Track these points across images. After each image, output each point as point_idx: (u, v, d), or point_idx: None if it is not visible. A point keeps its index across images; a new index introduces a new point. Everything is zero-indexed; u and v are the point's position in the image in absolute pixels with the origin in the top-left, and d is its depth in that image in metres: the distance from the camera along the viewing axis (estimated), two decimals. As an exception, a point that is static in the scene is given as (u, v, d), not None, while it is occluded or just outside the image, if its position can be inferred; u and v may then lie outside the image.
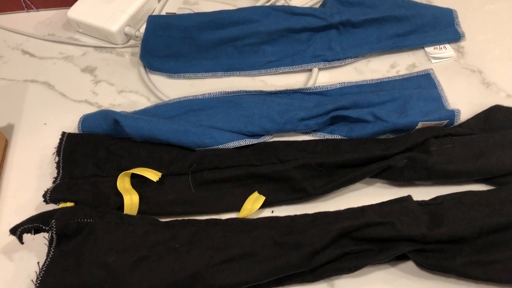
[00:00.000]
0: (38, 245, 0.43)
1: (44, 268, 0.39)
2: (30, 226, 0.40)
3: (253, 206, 0.43)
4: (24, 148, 0.50)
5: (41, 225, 0.40)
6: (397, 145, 0.43)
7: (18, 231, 0.40)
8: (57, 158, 0.47)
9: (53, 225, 0.40)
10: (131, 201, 0.43)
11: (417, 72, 0.52)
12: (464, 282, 0.38)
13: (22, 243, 0.40)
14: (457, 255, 0.37)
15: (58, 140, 0.48)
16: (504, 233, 0.38)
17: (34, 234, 0.41)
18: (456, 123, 0.46)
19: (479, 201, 0.39)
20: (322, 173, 0.43)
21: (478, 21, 0.56)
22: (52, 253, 0.40)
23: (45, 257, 0.39)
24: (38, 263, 0.41)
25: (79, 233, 0.40)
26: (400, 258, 0.39)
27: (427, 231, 0.37)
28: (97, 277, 0.38)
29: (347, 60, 0.53)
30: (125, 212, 0.43)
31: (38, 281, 0.38)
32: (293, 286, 0.39)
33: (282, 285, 0.39)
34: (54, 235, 0.40)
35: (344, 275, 0.39)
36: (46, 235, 0.40)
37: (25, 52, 0.59)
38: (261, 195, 0.43)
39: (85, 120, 0.50)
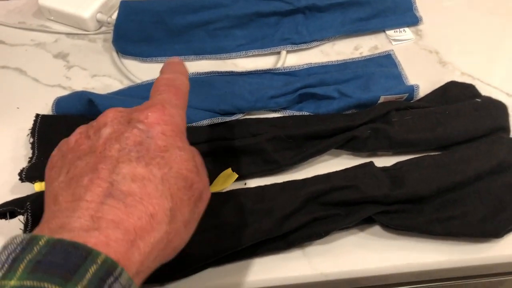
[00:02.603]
0: (12, 231, 0.43)
1: None
2: (5, 209, 0.40)
3: (224, 183, 0.45)
4: (-3, 131, 0.51)
5: (16, 208, 0.40)
6: (361, 117, 0.46)
7: None
8: (31, 140, 0.47)
9: (28, 207, 0.40)
10: None
11: (379, 53, 0.55)
12: (426, 239, 0.41)
13: None
14: (419, 214, 0.40)
15: (32, 123, 0.48)
16: (460, 191, 0.40)
17: (10, 218, 0.41)
18: (415, 98, 0.49)
19: (435, 163, 0.42)
20: (292, 145, 0.45)
21: (434, 6, 0.60)
22: None
23: None
24: None
25: None
26: (367, 222, 0.42)
27: (389, 191, 0.40)
28: None
29: (314, 43, 0.56)
30: None
31: None
32: (267, 256, 0.41)
33: (256, 254, 0.41)
34: (29, 218, 0.40)
35: (316, 243, 0.41)
36: (21, 222, 0.40)
37: (-5, 40, 0.60)
38: (234, 173, 0.45)
39: (59, 102, 0.50)
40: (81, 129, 0.31)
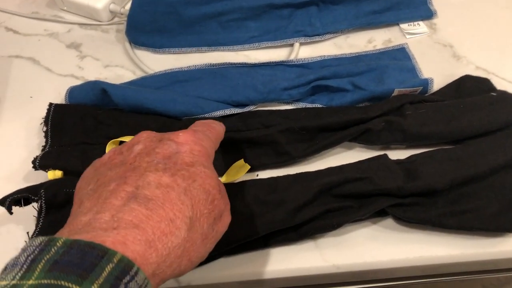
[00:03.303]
0: (26, 218, 0.43)
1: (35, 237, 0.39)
2: (19, 196, 0.41)
3: (237, 173, 0.45)
4: (10, 120, 0.51)
5: (30, 195, 0.41)
6: (375, 109, 0.46)
7: (7, 201, 0.40)
8: (45, 128, 0.47)
9: (42, 194, 0.40)
10: None
11: (392, 46, 0.54)
12: (439, 232, 0.41)
13: (11, 213, 0.41)
14: (432, 207, 0.40)
15: (45, 112, 0.48)
16: (474, 184, 0.40)
17: (24, 205, 0.41)
18: (429, 91, 0.49)
19: (449, 156, 0.42)
20: (305, 137, 0.45)
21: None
22: (41, 223, 0.40)
23: (33, 229, 0.40)
24: (27, 233, 0.41)
25: (68, 203, 0.41)
26: (379, 215, 0.42)
27: (403, 184, 0.40)
28: None
29: (327, 36, 0.56)
30: None
31: None
32: (279, 246, 0.41)
33: (268, 245, 0.41)
34: (43, 205, 0.40)
35: (328, 234, 0.41)
36: (34, 210, 0.41)
37: (8, 29, 0.60)
38: (247, 164, 0.45)
39: (72, 91, 0.50)
40: (115, 149, 0.33)
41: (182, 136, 0.31)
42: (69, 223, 0.27)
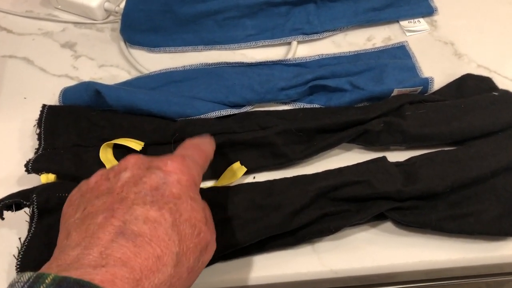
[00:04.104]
0: (18, 222, 0.42)
1: (26, 243, 0.39)
2: (10, 201, 0.40)
3: (233, 176, 0.44)
4: (4, 122, 0.50)
5: (22, 200, 0.40)
6: (374, 110, 0.45)
7: None
8: (38, 130, 0.47)
9: (34, 199, 0.40)
10: None
11: (392, 44, 0.53)
12: (439, 236, 0.40)
13: (3, 218, 0.40)
14: (432, 211, 0.39)
15: (38, 113, 0.47)
16: (475, 187, 0.39)
17: (15, 210, 0.41)
18: (430, 91, 0.48)
19: (450, 158, 0.41)
20: (302, 139, 0.45)
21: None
22: (33, 228, 0.40)
23: (26, 234, 0.40)
24: (19, 238, 0.41)
25: (61, 208, 0.40)
26: (378, 218, 0.41)
27: (402, 187, 0.39)
28: None
29: (325, 34, 0.55)
30: None
31: (20, 256, 0.38)
32: (275, 251, 0.40)
33: (265, 249, 0.40)
34: (35, 210, 0.40)
35: (326, 238, 0.40)
36: (26, 215, 0.40)
37: (2, 29, 0.59)
38: (243, 166, 0.44)
39: (66, 92, 0.50)
40: (102, 171, 0.32)
41: (170, 165, 0.31)
42: (57, 257, 0.27)
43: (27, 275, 0.24)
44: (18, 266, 0.38)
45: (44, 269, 0.26)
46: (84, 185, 0.32)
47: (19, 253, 0.38)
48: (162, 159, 0.31)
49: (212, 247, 0.32)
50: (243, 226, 0.39)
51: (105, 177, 0.31)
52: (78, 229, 0.28)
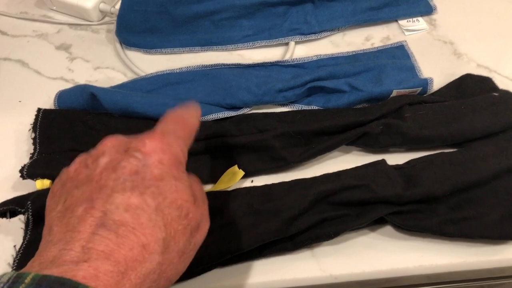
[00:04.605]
0: (13, 229, 0.42)
1: (21, 251, 0.38)
2: (5, 208, 0.39)
3: (230, 180, 0.43)
4: (-1, 125, 0.50)
5: (16, 208, 0.39)
6: (372, 112, 0.44)
7: None
8: (33, 135, 0.46)
9: (28, 206, 0.39)
10: None
11: (391, 44, 0.53)
12: (439, 239, 0.39)
13: None
14: (433, 215, 0.38)
15: (33, 117, 0.47)
16: (476, 190, 0.39)
17: (10, 217, 0.40)
18: (429, 91, 0.47)
19: (450, 161, 0.40)
20: (300, 142, 0.44)
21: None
22: (28, 236, 0.39)
23: (21, 241, 0.39)
24: (14, 246, 0.40)
25: None
26: (378, 222, 0.40)
27: (402, 191, 0.38)
28: None
29: (323, 34, 0.54)
30: None
31: (15, 264, 0.38)
32: (274, 256, 0.40)
33: (263, 255, 0.39)
34: (30, 217, 0.39)
35: (325, 243, 0.40)
36: (22, 221, 0.40)
37: (-4, 31, 0.58)
38: (240, 170, 0.44)
39: (61, 95, 0.49)
40: (80, 158, 0.31)
41: (149, 144, 0.29)
42: (39, 254, 0.26)
43: (7, 275, 0.23)
44: None
45: (26, 268, 0.25)
46: (64, 174, 0.31)
47: (14, 261, 0.38)
48: (140, 138, 0.29)
49: (205, 225, 0.30)
50: (242, 232, 0.38)
51: (84, 164, 0.29)
52: (59, 223, 0.27)
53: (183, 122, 0.33)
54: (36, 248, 0.38)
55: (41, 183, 0.42)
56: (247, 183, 0.44)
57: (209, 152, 0.45)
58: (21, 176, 0.42)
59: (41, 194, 0.40)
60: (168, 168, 0.28)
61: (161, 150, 0.29)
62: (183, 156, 0.30)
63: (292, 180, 0.42)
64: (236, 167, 0.43)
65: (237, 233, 0.38)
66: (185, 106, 0.35)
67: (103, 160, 0.29)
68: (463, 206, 0.38)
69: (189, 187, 0.29)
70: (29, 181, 0.43)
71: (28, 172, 0.42)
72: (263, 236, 0.38)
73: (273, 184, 0.42)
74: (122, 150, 0.29)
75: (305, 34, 0.54)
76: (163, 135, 0.30)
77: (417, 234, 0.40)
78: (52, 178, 0.43)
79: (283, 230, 0.38)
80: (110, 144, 0.30)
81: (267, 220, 0.38)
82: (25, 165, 0.43)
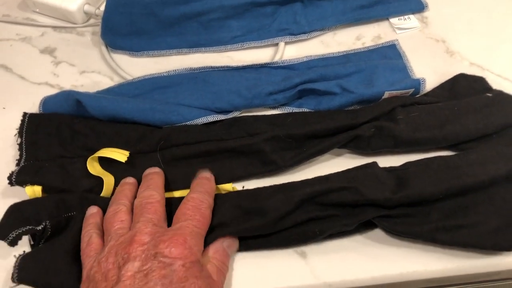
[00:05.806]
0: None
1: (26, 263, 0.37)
2: (24, 230, 0.38)
3: (219, 189, 0.43)
4: (-17, 133, 0.48)
5: (35, 227, 0.39)
6: (364, 114, 0.43)
7: (10, 236, 0.38)
8: (19, 140, 0.45)
9: (47, 225, 0.39)
10: (109, 184, 0.42)
11: (382, 43, 0.52)
12: (431, 247, 0.38)
13: (15, 245, 0.39)
14: (424, 220, 0.37)
15: (19, 122, 0.46)
16: (472, 196, 0.38)
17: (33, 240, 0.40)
18: (422, 92, 0.47)
19: (446, 164, 0.39)
20: (292, 145, 0.43)
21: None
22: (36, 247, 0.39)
23: (19, 251, 0.38)
24: (14, 255, 0.39)
25: (67, 227, 0.40)
26: (368, 226, 0.39)
27: (391, 195, 0.37)
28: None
29: (313, 33, 0.53)
30: (102, 195, 0.42)
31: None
32: (259, 250, 0.39)
33: (245, 248, 0.39)
34: (48, 233, 0.39)
35: (318, 250, 0.39)
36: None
37: (-22, 34, 0.57)
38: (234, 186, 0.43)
39: (46, 102, 0.48)
40: (111, 254, 0.34)
41: (174, 251, 0.34)
42: None
43: None
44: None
45: None
46: (95, 267, 0.35)
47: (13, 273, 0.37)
48: (166, 243, 0.34)
49: None
50: (227, 226, 0.38)
51: (117, 265, 0.34)
52: None
53: (201, 216, 0.37)
54: (43, 258, 0.38)
55: (32, 190, 0.42)
56: (239, 188, 0.43)
57: (200, 156, 0.44)
58: (9, 183, 0.41)
59: (52, 209, 0.40)
60: (190, 271, 0.33)
61: (184, 256, 0.34)
62: (199, 254, 0.36)
63: (282, 183, 0.41)
64: (230, 185, 0.43)
65: (223, 230, 0.38)
66: (201, 180, 0.41)
67: (135, 264, 0.33)
68: (457, 213, 0.37)
69: (207, 277, 0.35)
70: (17, 187, 0.42)
71: (17, 179, 0.42)
72: (248, 230, 0.38)
73: (263, 187, 0.41)
74: (151, 255, 0.33)
75: (294, 34, 0.53)
76: (185, 240, 0.35)
77: (407, 240, 0.39)
78: (42, 185, 0.42)
79: (270, 227, 0.38)
80: (141, 249, 0.34)
81: (254, 219, 0.38)
82: (13, 171, 0.42)
